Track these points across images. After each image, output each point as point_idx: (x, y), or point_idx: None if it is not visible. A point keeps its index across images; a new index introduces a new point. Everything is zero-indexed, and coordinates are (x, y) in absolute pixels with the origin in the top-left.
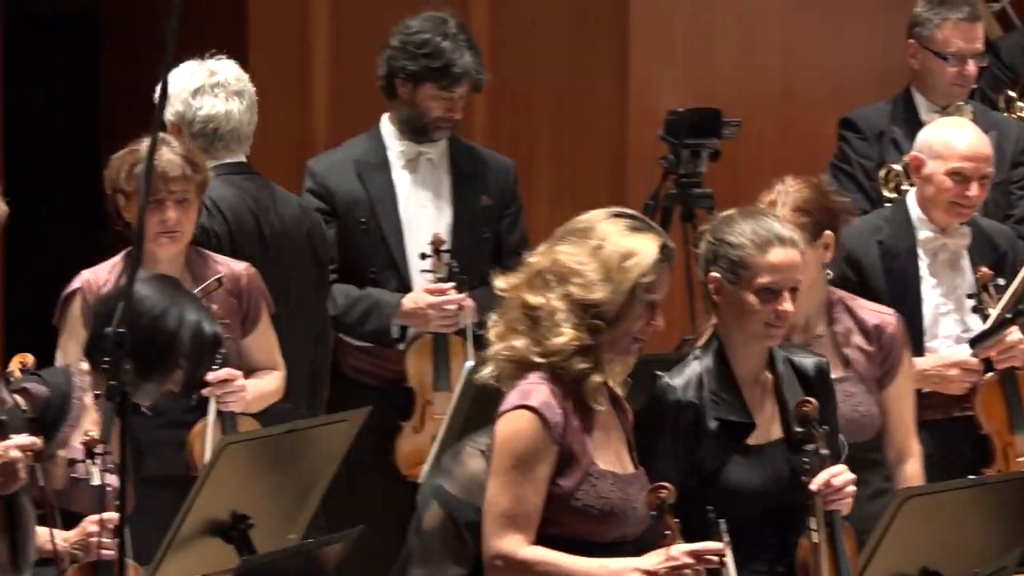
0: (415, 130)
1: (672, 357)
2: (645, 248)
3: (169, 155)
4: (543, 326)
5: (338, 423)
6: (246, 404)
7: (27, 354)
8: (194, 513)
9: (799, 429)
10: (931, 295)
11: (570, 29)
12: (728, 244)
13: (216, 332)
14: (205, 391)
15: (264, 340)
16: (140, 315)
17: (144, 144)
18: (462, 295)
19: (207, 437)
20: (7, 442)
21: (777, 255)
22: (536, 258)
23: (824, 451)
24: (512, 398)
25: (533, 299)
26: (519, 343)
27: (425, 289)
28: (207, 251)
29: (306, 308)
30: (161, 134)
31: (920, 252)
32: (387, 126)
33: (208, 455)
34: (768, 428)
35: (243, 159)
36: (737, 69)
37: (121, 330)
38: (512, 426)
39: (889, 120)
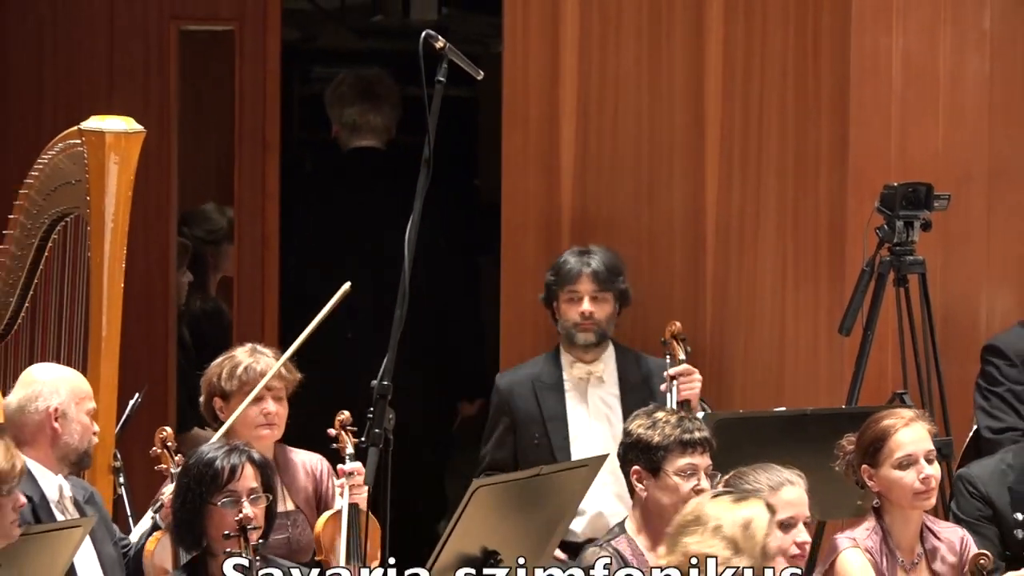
0: (568, 341)
1: (884, 409)
2: (757, 512)
3: (267, 360)
4: None
5: (579, 468)
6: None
7: None
8: (448, 548)
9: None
10: None
11: (795, 112)
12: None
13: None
14: (338, 482)
15: None
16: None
17: (239, 351)
18: None
19: (342, 523)
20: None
21: (791, 493)
22: (664, 560)
23: None
24: None
25: None
26: None
27: None
28: (286, 446)
29: None
30: (251, 344)
31: None
32: (563, 351)
33: (342, 540)
34: None
35: (375, 144)
36: (947, 146)
37: (385, 383)
38: None
39: None
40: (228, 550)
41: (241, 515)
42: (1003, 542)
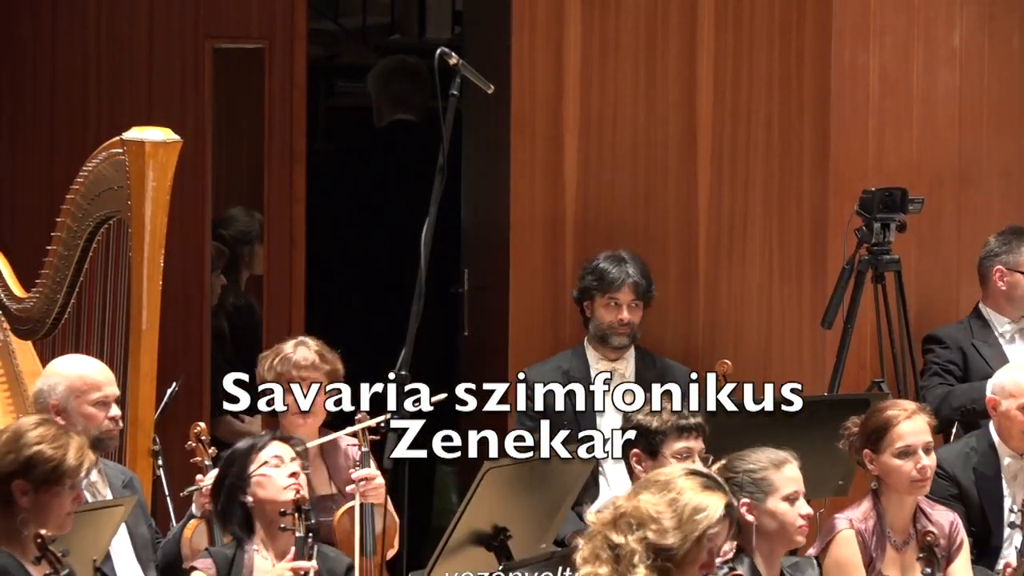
0: (600, 340)
1: (863, 397)
2: (714, 504)
3: (304, 350)
4: (623, 563)
5: None
6: (383, 498)
7: None
8: (461, 526)
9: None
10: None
11: (780, 122)
12: (748, 471)
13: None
14: (348, 488)
15: None
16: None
17: (287, 343)
18: None
19: (355, 521)
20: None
21: (791, 470)
22: (623, 501)
23: None
24: None
25: (616, 537)
26: (602, 571)
27: None
28: (330, 431)
29: None
30: (302, 337)
31: (1003, 477)
32: (588, 346)
33: (357, 535)
34: None
35: (413, 118)
36: (920, 154)
37: (403, 372)
38: None
39: (970, 336)
40: (283, 526)
41: (298, 495)
42: (969, 519)
